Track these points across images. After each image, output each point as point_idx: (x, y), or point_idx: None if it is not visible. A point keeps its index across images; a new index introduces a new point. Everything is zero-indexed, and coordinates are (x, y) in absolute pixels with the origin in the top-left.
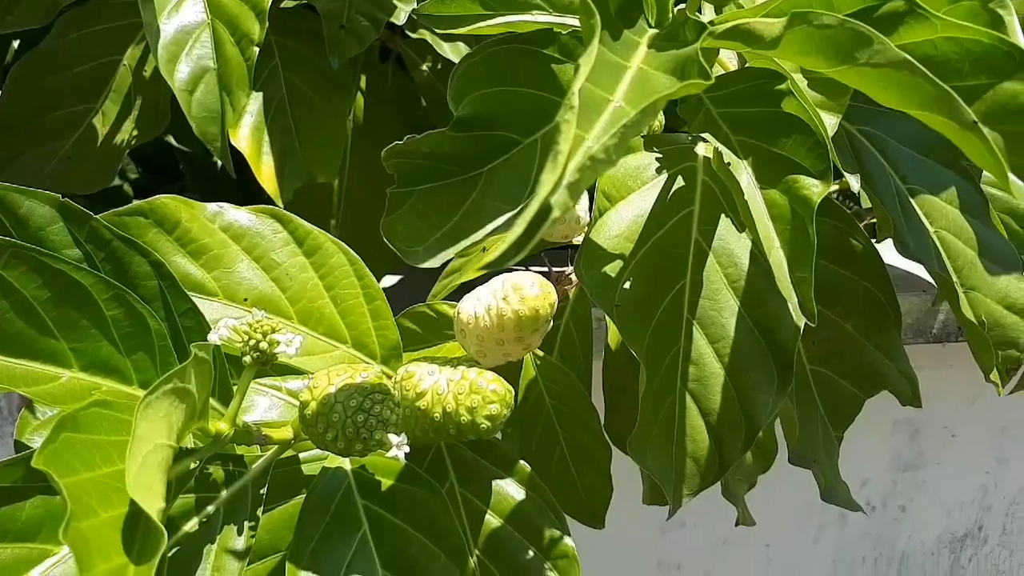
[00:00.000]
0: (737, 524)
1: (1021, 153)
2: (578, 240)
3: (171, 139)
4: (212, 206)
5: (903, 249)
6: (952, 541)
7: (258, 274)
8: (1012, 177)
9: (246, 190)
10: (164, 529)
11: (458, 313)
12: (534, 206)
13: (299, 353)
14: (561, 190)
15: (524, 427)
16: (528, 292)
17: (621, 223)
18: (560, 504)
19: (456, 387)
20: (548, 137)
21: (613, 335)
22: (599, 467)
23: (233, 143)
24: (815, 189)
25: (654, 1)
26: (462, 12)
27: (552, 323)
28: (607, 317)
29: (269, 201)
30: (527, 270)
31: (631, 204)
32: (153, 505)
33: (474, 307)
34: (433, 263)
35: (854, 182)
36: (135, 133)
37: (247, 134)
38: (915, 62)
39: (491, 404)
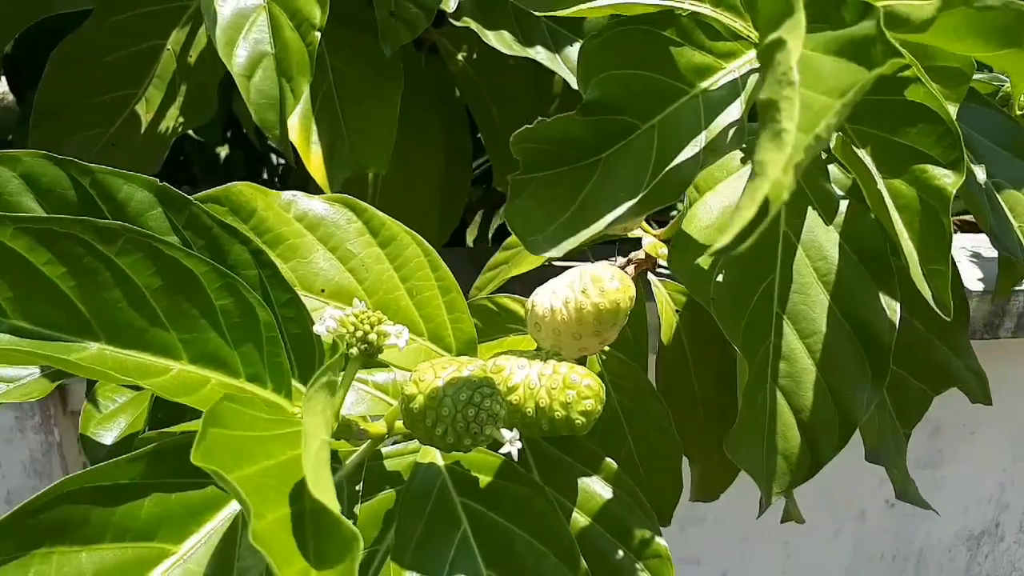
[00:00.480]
0: (783, 521)
1: None
2: (634, 233)
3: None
4: (286, 194)
5: (995, 241)
6: (969, 538)
7: (334, 265)
8: None
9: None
10: (357, 532)
11: (532, 306)
12: (763, 187)
13: (407, 345)
14: (790, 171)
15: None
16: (608, 285)
17: (711, 214)
18: None
19: (549, 381)
20: (685, 118)
21: (666, 330)
22: (669, 464)
23: None
24: (948, 180)
25: None
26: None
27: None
28: (659, 313)
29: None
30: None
31: (719, 194)
32: (335, 505)
33: (550, 300)
34: (554, 253)
35: (980, 172)
36: (181, 120)
37: (296, 122)
38: None
39: (586, 400)
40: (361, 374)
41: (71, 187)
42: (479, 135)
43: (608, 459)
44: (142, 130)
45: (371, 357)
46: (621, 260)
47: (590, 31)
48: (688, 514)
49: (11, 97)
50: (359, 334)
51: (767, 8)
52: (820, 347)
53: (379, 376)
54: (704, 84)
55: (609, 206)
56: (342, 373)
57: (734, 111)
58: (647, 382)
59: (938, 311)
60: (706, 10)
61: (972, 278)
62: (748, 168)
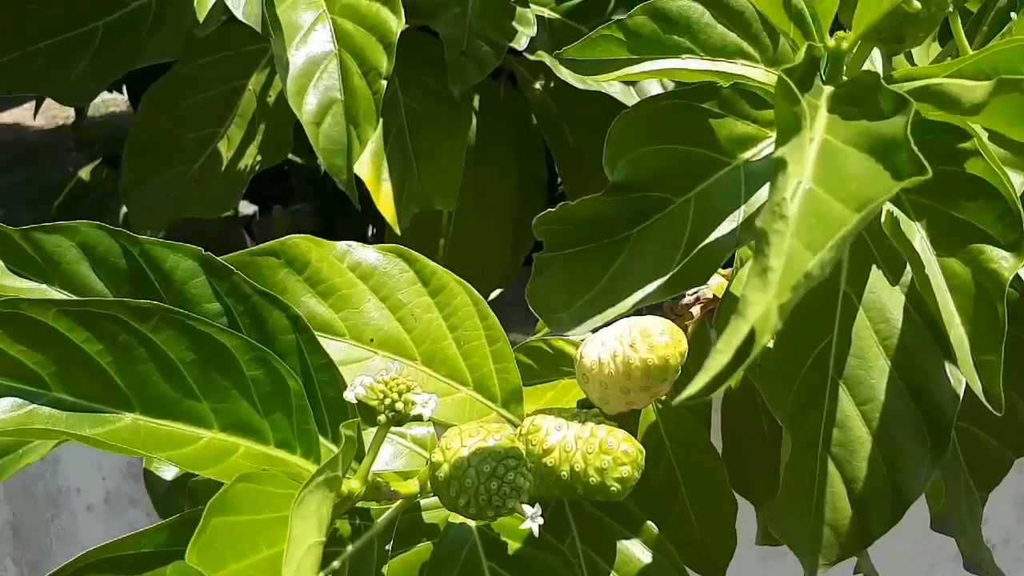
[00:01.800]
0: (856, 572)
1: None
2: None
3: None
4: (341, 245)
5: None
6: None
7: (384, 314)
8: None
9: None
10: None
11: (581, 358)
12: (742, 329)
13: (434, 413)
14: (772, 313)
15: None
16: (657, 340)
17: None
18: (680, 556)
19: (585, 445)
20: (724, 191)
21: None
22: (725, 520)
23: (355, 170)
24: (1005, 263)
25: (825, 50)
26: (608, 56)
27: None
28: None
29: (376, 216)
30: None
31: None
32: None
33: (598, 352)
34: (579, 331)
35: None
36: (258, 158)
37: (367, 159)
38: None
39: (622, 466)
40: (400, 428)
41: (122, 256)
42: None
43: (650, 523)
44: (223, 167)
45: (400, 424)
46: (689, 298)
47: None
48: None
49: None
50: (388, 401)
51: (781, 115)
52: (877, 416)
53: (417, 430)
54: (746, 155)
55: (638, 284)
56: (373, 433)
57: None
58: (705, 436)
59: (989, 407)
60: (758, 73)
61: None
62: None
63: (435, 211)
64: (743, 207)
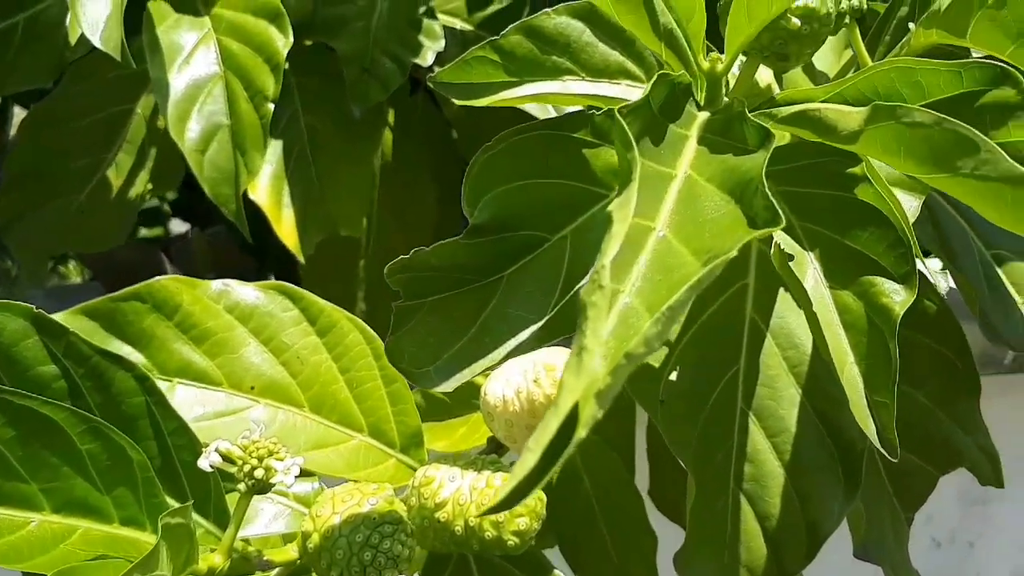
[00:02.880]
0: None
1: None
2: None
3: None
4: (216, 284)
5: (988, 331)
6: None
7: (267, 358)
8: None
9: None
10: None
11: (484, 395)
12: (552, 424)
13: (304, 467)
14: (590, 400)
15: (558, 507)
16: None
17: None
18: None
19: (480, 496)
20: (585, 247)
21: None
22: (643, 555)
23: (250, 196)
24: (897, 298)
25: (701, 73)
26: (484, 79)
27: None
28: None
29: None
30: None
31: None
32: None
33: (502, 389)
34: (447, 387)
35: (942, 281)
36: (150, 186)
37: (266, 184)
38: None
39: (519, 518)
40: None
41: None
42: None
43: (557, 571)
44: (112, 196)
45: (262, 492)
46: None
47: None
48: None
49: None
50: (247, 468)
51: (619, 161)
52: (789, 448)
53: (301, 486)
54: None
55: (512, 331)
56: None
57: None
58: (624, 472)
59: (884, 452)
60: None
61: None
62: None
63: (353, 236)
64: None
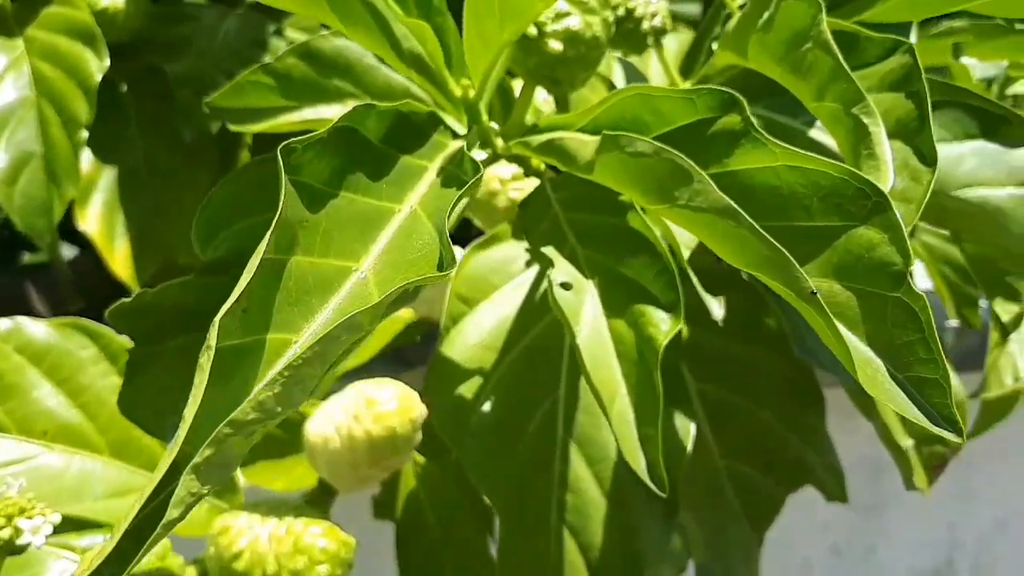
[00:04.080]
0: None
1: (880, 318)
2: None
3: None
4: (4, 323)
5: (805, 353)
6: None
7: (61, 401)
8: (865, 352)
9: None
10: None
11: (305, 432)
12: (138, 503)
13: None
14: (184, 479)
15: (404, 546)
16: (383, 408)
17: (481, 329)
18: None
19: (279, 545)
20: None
21: None
22: None
23: (81, 227)
24: (663, 327)
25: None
26: (262, 103)
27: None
28: None
29: None
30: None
31: (495, 304)
32: None
33: (323, 426)
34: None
35: (716, 308)
36: None
37: (97, 213)
38: (740, 212)
39: (320, 565)
40: (67, 538)
41: None
42: None
43: None
44: None
45: (13, 554)
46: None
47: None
48: None
49: None
50: None
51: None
52: (610, 475)
53: (91, 539)
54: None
55: None
56: None
57: None
58: (466, 506)
59: (653, 488)
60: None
61: None
62: (532, 272)
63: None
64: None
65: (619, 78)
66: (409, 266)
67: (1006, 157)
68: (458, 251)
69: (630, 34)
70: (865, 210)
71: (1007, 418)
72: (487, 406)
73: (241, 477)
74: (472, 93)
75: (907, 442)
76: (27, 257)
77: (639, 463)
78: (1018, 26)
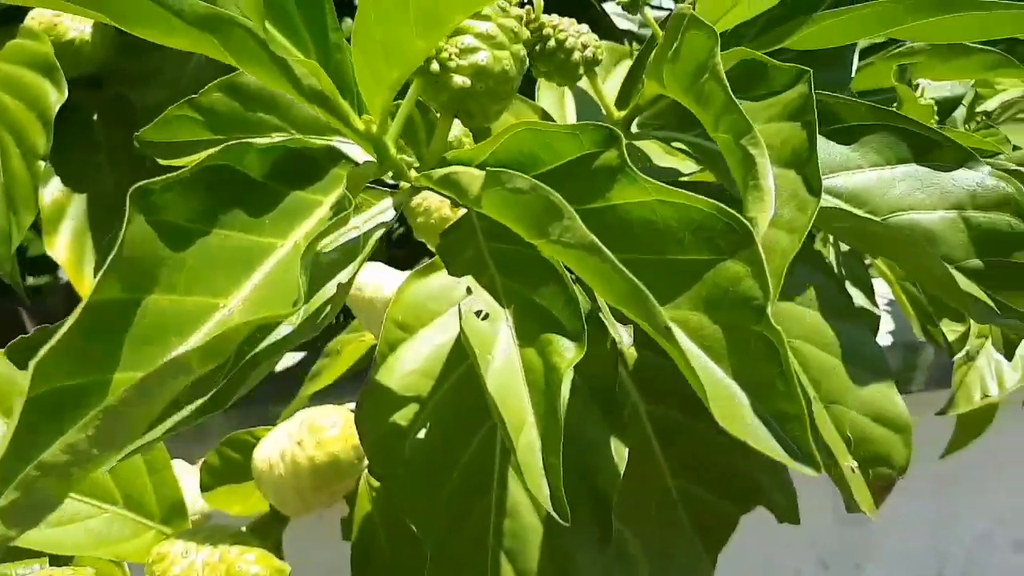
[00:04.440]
0: None
1: (745, 352)
2: None
3: None
4: None
5: None
6: None
7: None
8: (730, 387)
9: None
10: None
11: (253, 459)
12: None
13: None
14: None
15: (359, 569)
16: (327, 435)
17: (419, 356)
18: None
19: (211, 572)
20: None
21: None
22: None
23: (50, 253)
24: (567, 355)
25: (361, 134)
26: (189, 137)
27: (367, 464)
28: None
29: None
30: None
31: (434, 331)
32: None
33: (269, 452)
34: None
35: (625, 336)
36: None
37: (67, 241)
38: (603, 248)
39: None
40: (16, 567)
41: None
42: None
43: None
44: None
45: None
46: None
47: None
48: None
49: None
50: None
51: None
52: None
53: (23, 570)
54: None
55: (169, 411)
56: None
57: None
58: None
59: (557, 517)
60: (354, 151)
61: (881, 331)
62: (471, 298)
63: None
64: (304, 306)
65: (570, 108)
66: (275, 302)
67: (937, 180)
68: (398, 278)
69: (561, 65)
70: (733, 244)
71: (994, 432)
72: (422, 433)
73: (202, 502)
74: (375, 128)
75: (850, 463)
76: (29, 280)
77: (542, 493)
78: (972, 45)
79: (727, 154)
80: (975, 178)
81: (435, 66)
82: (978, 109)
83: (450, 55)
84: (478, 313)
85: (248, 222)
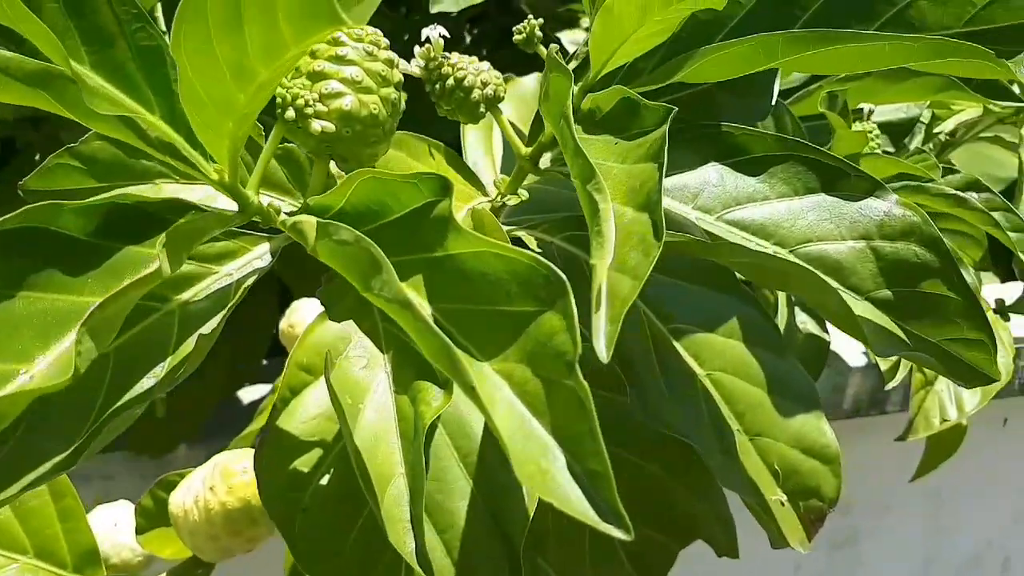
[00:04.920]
0: None
1: (562, 408)
2: None
3: None
4: None
5: (645, 413)
6: None
7: None
8: (546, 443)
9: None
10: None
11: (170, 504)
12: None
13: None
14: None
15: None
16: (238, 479)
17: (322, 400)
18: None
19: None
20: (129, 364)
21: None
22: None
23: None
24: (435, 403)
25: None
26: (73, 186)
27: None
28: None
29: None
30: None
31: None
32: None
33: (183, 497)
34: None
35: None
36: None
37: None
38: (414, 304)
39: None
40: None
41: None
42: None
43: None
44: None
45: None
46: None
47: None
48: None
49: None
50: None
51: None
52: (459, 543)
53: None
54: (184, 296)
55: (29, 465)
56: None
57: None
58: None
59: (420, 572)
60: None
61: (856, 351)
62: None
63: None
64: (169, 358)
65: (497, 142)
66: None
67: (845, 210)
68: (306, 318)
69: (462, 103)
70: (552, 295)
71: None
72: (325, 479)
73: (138, 546)
74: (227, 176)
75: (779, 496)
76: None
77: (406, 548)
78: (915, 69)
79: (580, 197)
80: (882, 207)
81: (290, 113)
82: (936, 130)
83: (307, 101)
84: (357, 360)
85: (65, 282)
